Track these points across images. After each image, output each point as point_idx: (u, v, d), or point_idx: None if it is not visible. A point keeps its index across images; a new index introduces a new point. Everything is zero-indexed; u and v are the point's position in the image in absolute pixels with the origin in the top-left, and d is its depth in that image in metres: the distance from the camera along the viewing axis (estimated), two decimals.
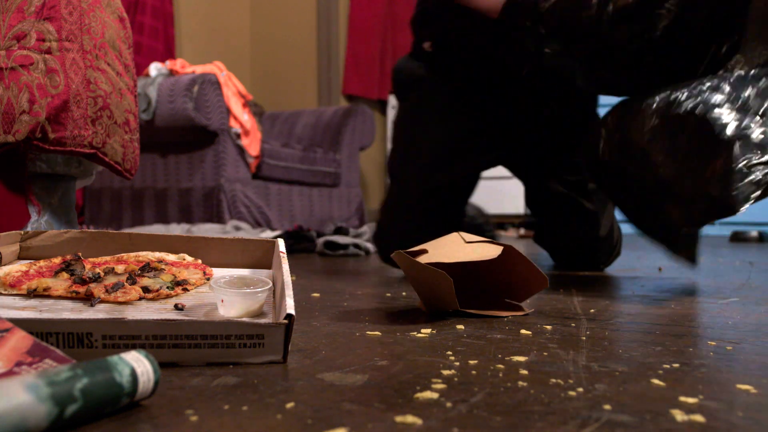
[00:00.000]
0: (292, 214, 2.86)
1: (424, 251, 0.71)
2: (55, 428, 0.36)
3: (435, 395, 0.45)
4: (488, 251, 0.75)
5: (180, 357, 0.52)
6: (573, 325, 0.74)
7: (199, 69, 2.70)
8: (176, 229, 2.36)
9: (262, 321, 0.56)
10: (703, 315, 0.81)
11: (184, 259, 0.77)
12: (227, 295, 0.60)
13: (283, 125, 3.31)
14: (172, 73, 2.69)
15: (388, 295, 0.99)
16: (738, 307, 0.87)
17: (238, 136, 2.62)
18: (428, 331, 0.68)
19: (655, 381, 0.49)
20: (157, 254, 0.77)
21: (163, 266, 0.73)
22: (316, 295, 0.98)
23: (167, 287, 0.68)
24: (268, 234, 2.29)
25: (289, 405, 0.43)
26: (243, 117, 2.67)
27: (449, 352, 0.58)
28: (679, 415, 0.41)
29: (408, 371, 0.52)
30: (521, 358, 0.56)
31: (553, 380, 0.49)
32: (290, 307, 0.55)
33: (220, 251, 0.79)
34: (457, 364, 0.54)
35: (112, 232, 0.79)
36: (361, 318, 0.77)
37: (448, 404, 0.43)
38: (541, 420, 0.40)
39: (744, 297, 0.97)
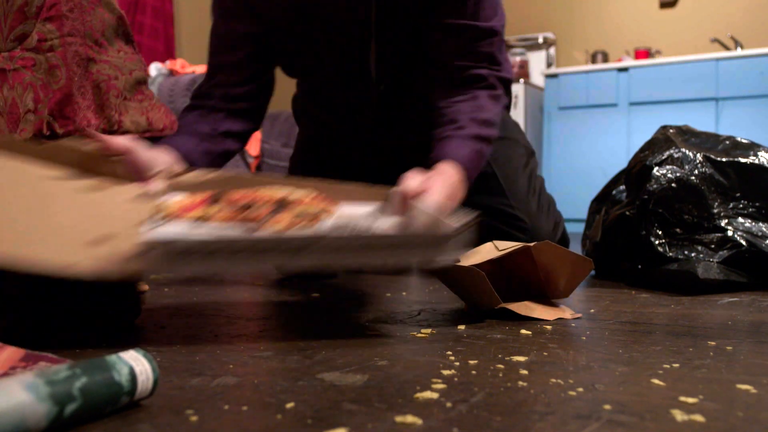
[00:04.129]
0: None
1: (457, 260, 0.73)
2: (55, 427, 0.36)
3: (435, 395, 0.45)
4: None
5: (365, 261, 0.59)
6: (573, 325, 0.74)
7: (199, 69, 2.70)
8: None
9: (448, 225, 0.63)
10: (703, 315, 0.81)
11: (311, 195, 0.79)
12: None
13: (283, 125, 3.30)
14: (172, 73, 2.69)
15: (388, 295, 0.99)
16: (738, 307, 0.87)
17: None
18: (428, 331, 0.68)
19: (655, 381, 0.49)
20: (286, 190, 0.78)
21: (293, 200, 0.75)
22: (316, 295, 0.98)
23: (311, 216, 0.70)
24: None
25: (289, 405, 0.43)
26: None
27: (449, 352, 0.58)
28: (679, 415, 0.41)
29: (408, 371, 0.52)
30: (521, 358, 0.56)
31: (553, 380, 0.49)
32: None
33: (343, 194, 0.83)
34: (457, 364, 0.54)
35: (247, 175, 0.82)
36: (361, 318, 0.77)
37: (448, 404, 0.43)
38: (541, 420, 0.40)
39: (745, 296, 0.97)
